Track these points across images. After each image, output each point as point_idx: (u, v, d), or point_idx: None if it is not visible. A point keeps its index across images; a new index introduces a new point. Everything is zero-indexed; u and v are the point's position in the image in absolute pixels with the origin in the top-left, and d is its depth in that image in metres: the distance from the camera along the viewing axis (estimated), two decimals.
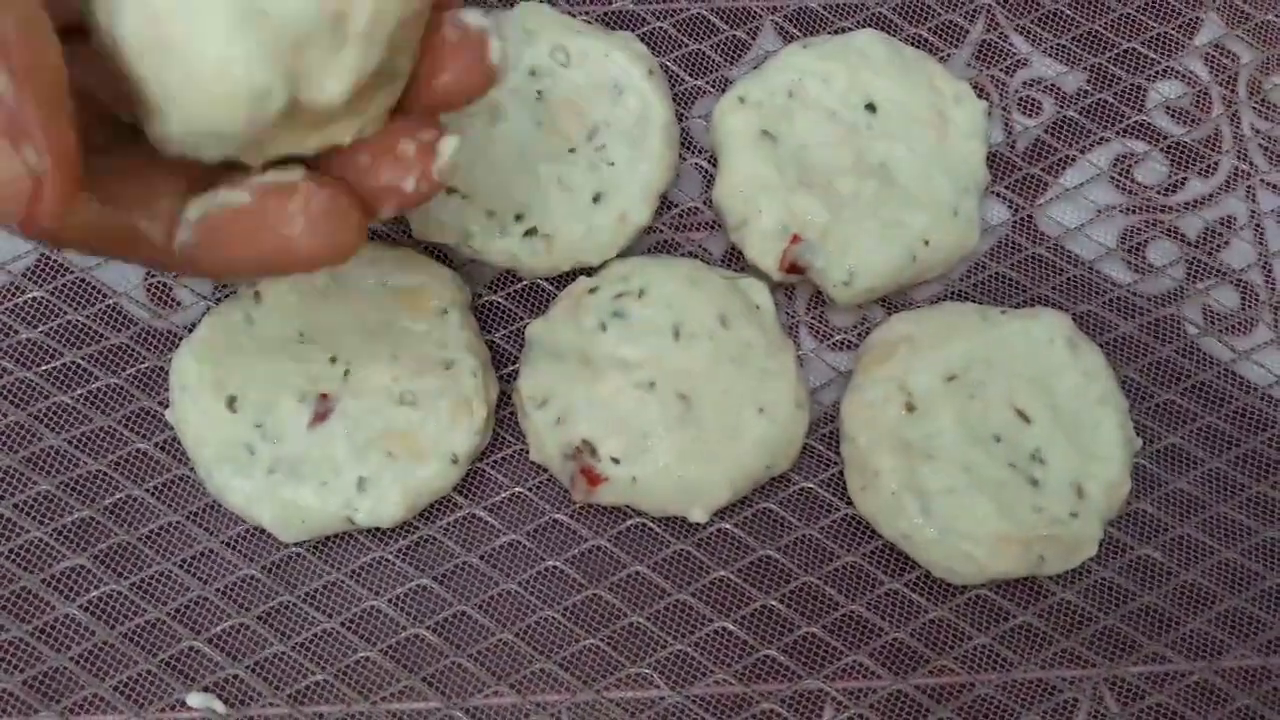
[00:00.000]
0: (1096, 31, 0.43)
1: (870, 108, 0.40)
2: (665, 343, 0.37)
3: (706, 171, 0.41)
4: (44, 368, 0.38)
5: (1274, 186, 0.42)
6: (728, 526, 0.38)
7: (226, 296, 0.39)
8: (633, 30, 0.42)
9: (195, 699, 0.36)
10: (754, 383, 0.37)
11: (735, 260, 0.41)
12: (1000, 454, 0.37)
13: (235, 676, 0.36)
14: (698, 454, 0.36)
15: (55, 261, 0.39)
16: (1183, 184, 0.42)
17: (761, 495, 0.38)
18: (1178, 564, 0.38)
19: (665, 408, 0.36)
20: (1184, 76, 0.43)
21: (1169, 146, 0.42)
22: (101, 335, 0.39)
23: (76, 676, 0.36)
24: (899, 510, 0.36)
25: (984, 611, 0.37)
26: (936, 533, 0.36)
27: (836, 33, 0.42)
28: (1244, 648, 0.37)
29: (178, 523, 0.37)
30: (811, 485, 0.38)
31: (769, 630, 0.37)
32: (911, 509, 0.36)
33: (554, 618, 0.37)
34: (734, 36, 0.42)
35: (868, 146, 0.39)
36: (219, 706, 0.36)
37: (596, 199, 0.38)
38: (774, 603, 0.37)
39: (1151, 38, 0.43)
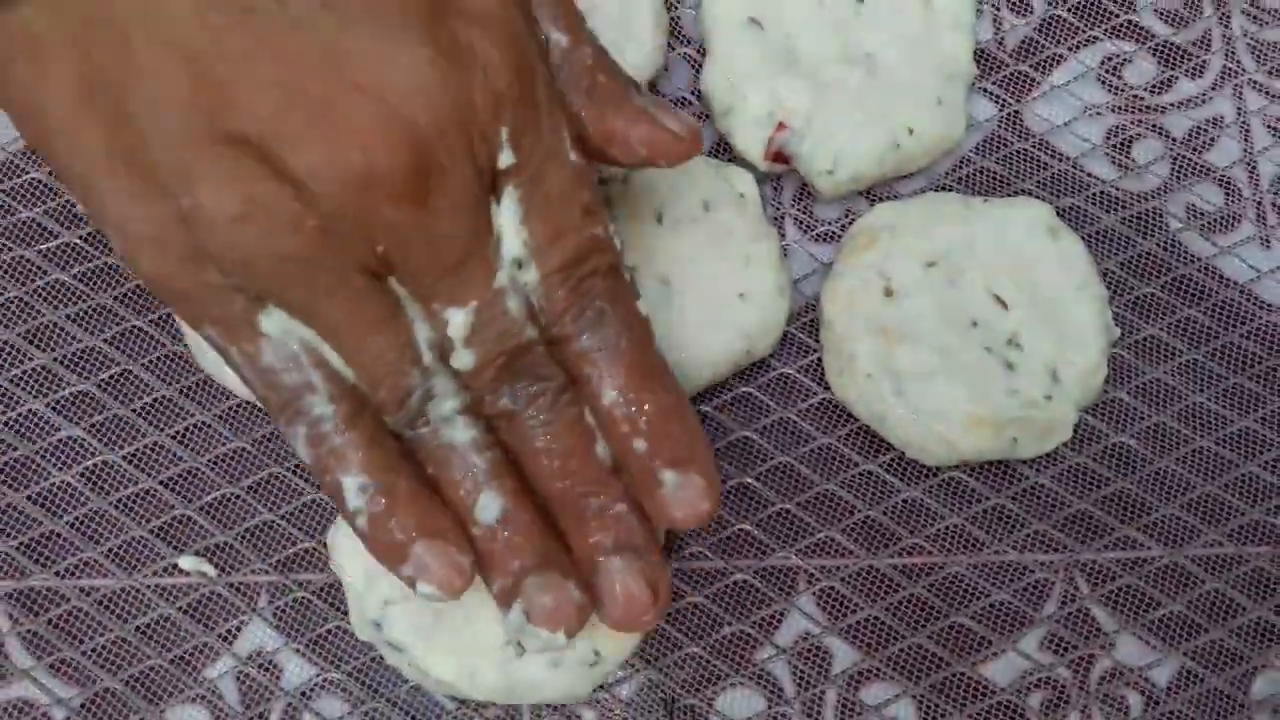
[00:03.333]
0: None
1: None
2: (648, 227, 0.38)
3: (696, 63, 0.42)
4: (42, 246, 0.39)
5: (1261, 87, 0.42)
6: (707, 409, 0.38)
7: None
8: None
9: (187, 561, 0.37)
10: (736, 268, 0.38)
11: (722, 151, 0.41)
12: (977, 338, 0.37)
13: (225, 544, 0.37)
14: (679, 336, 0.37)
15: None
16: (1171, 84, 0.42)
17: (741, 380, 0.39)
18: (1152, 451, 0.38)
19: (647, 290, 0.37)
20: None
21: (1157, 47, 0.42)
22: None
23: (71, 541, 0.37)
24: (874, 392, 0.37)
25: (957, 493, 0.38)
26: (910, 413, 0.36)
27: None
28: (1215, 533, 0.38)
29: (171, 397, 0.38)
30: (790, 371, 0.39)
31: (744, 507, 0.38)
32: (886, 390, 0.37)
33: None
34: None
35: (854, 35, 0.40)
36: (209, 570, 0.37)
37: None
38: (750, 480, 0.38)
39: None
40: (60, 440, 0.38)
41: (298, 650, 0.36)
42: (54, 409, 0.38)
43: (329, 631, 0.36)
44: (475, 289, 0.29)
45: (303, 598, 0.37)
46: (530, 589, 0.30)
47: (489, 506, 0.30)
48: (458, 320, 0.29)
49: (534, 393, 0.30)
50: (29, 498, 0.37)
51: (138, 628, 0.36)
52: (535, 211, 0.29)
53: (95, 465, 0.38)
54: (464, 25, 0.27)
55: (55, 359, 0.38)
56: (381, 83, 0.26)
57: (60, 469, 0.38)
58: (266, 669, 0.36)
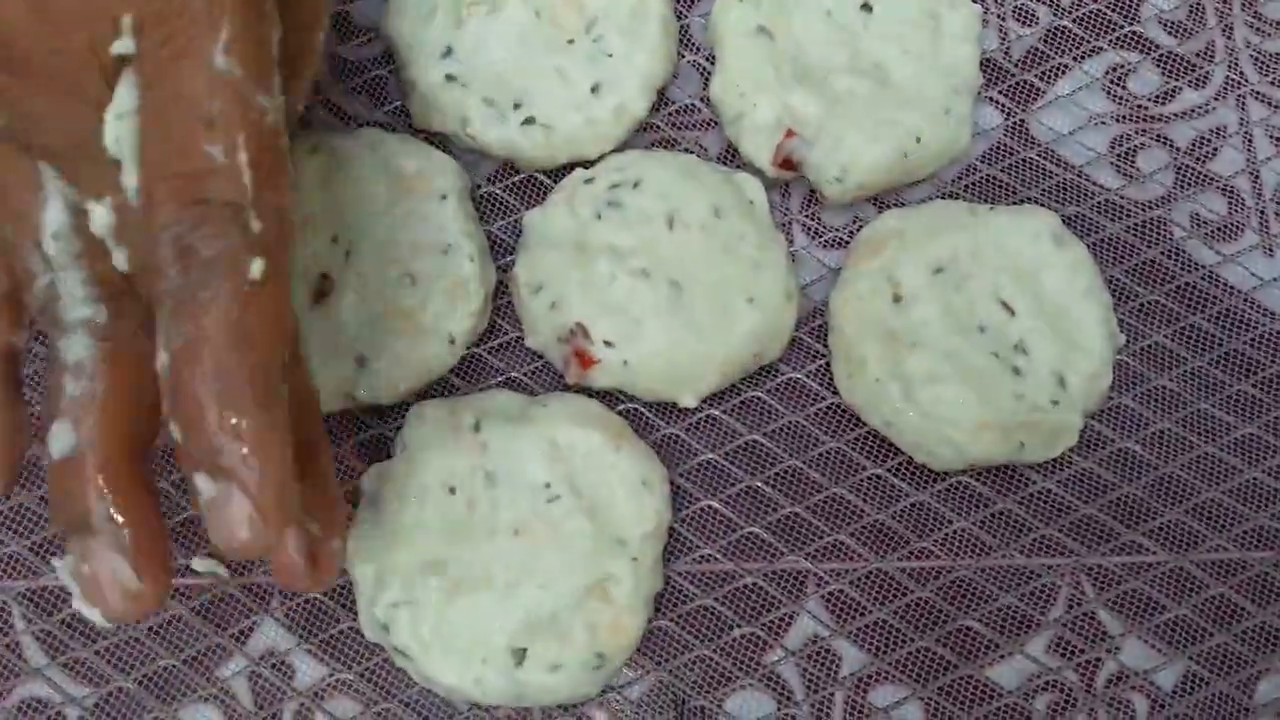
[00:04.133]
0: None
1: (866, 8, 0.40)
2: (659, 231, 0.38)
3: (705, 70, 0.42)
4: None
5: (1264, 97, 0.43)
6: (716, 413, 0.39)
7: None
8: None
9: (200, 563, 0.37)
10: (745, 273, 0.38)
11: (731, 159, 0.41)
12: (984, 344, 0.37)
13: None
14: (688, 339, 0.37)
15: None
16: (1175, 94, 0.43)
17: (750, 384, 0.39)
18: (1157, 457, 0.39)
19: (657, 294, 0.37)
20: None
21: (1161, 57, 0.43)
22: None
23: None
24: (883, 397, 0.37)
25: (965, 497, 0.38)
26: (918, 418, 0.37)
27: None
28: (1220, 538, 0.38)
29: None
30: (799, 375, 0.39)
31: (754, 510, 0.38)
32: (895, 395, 0.37)
33: None
34: None
35: (863, 46, 0.40)
36: (222, 570, 0.37)
37: (594, 90, 0.39)
38: (759, 484, 0.38)
39: None
40: None
41: (310, 651, 0.36)
42: None
43: (341, 632, 0.37)
44: (105, 184, 0.26)
45: (314, 599, 0.37)
46: (74, 548, 0.27)
47: (59, 438, 0.27)
48: (99, 215, 0.27)
49: None
50: (41, 498, 0.37)
51: (151, 627, 0.36)
52: (148, 112, 0.26)
53: None
54: None
55: None
56: None
57: None
58: (279, 669, 0.36)
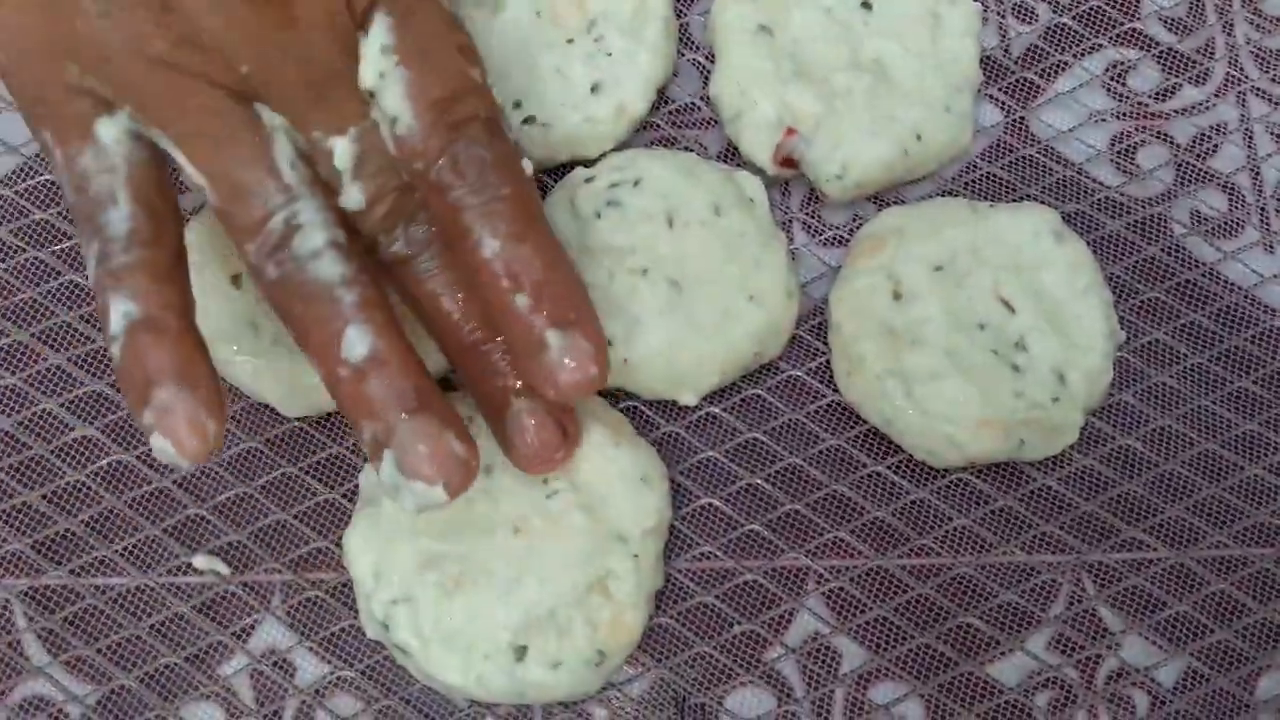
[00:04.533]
0: None
1: (866, 5, 0.40)
2: (659, 230, 0.38)
3: (705, 69, 0.42)
4: (54, 248, 0.40)
5: (1264, 94, 0.43)
6: (716, 410, 0.39)
7: None
8: None
9: (200, 560, 0.37)
10: (745, 271, 0.38)
11: (731, 157, 0.41)
12: (984, 341, 0.37)
13: (239, 543, 0.37)
14: (688, 338, 0.37)
15: None
16: (1175, 90, 0.43)
17: (750, 382, 0.39)
18: (1158, 454, 0.39)
19: (657, 292, 0.37)
20: None
21: (1161, 54, 0.43)
22: None
23: (85, 539, 0.37)
24: (883, 394, 0.37)
25: (965, 494, 0.38)
26: (918, 415, 0.37)
27: None
28: (1220, 535, 0.38)
29: None
30: (799, 373, 0.39)
31: (754, 507, 0.38)
32: (895, 393, 0.37)
33: None
34: None
35: (862, 43, 0.40)
36: (223, 568, 0.37)
37: (594, 89, 0.39)
38: (759, 482, 0.38)
39: None
40: (74, 440, 0.38)
41: (311, 648, 0.36)
42: (68, 409, 0.38)
43: (342, 630, 0.37)
44: (351, 116, 0.29)
45: (316, 596, 0.37)
46: (403, 436, 0.28)
47: (356, 342, 0.28)
48: (341, 150, 0.29)
49: (430, 235, 0.31)
50: (43, 496, 0.38)
51: (152, 625, 0.37)
52: (406, 45, 0.29)
53: (109, 465, 0.38)
54: None
55: (69, 359, 0.39)
56: None
57: (74, 468, 0.38)
58: (280, 667, 0.36)
